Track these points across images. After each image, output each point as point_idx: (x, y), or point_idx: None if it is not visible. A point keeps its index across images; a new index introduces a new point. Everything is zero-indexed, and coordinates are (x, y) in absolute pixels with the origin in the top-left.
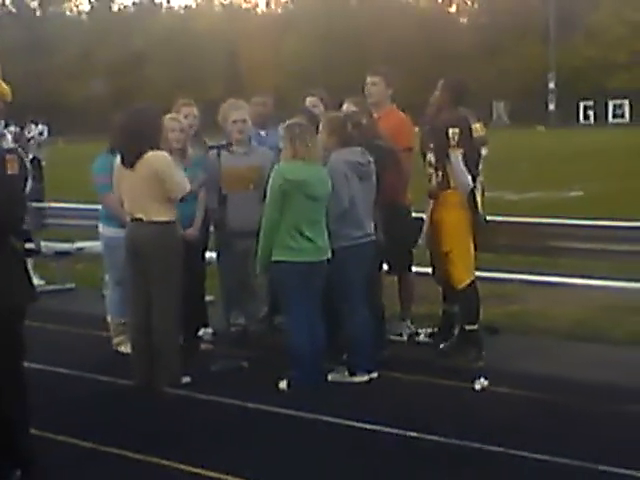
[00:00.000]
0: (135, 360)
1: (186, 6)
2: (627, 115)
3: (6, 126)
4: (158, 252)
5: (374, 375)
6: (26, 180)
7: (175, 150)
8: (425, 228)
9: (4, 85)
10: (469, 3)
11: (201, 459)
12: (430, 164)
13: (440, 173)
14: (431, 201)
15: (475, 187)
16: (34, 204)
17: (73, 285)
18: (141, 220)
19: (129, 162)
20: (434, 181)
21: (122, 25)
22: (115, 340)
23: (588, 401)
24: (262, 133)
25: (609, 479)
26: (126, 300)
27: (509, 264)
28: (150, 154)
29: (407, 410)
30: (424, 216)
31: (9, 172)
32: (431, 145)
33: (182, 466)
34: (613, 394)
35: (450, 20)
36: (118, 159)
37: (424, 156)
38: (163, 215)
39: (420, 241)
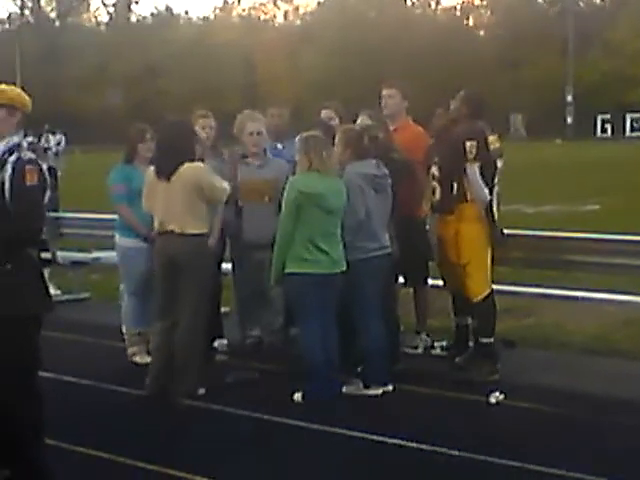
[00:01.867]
0: (153, 369)
1: (204, 17)
2: None
3: (24, 136)
4: (193, 264)
5: (389, 388)
6: (45, 191)
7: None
8: (433, 241)
9: (25, 96)
10: (487, 16)
11: (215, 471)
12: (434, 177)
13: (455, 186)
14: (436, 215)
15: (492, 200)
16: (50, 214)
17: (88, 295)
18: (173, 232)
19: (165, 175)
20: (438, 194)
21: (140, 36)
22: (130, 350)
23: (606, 415)
24: (279, 146)
25: None
26: (151, 309)
27: (525, 278)
28: (186, 166)
29: (422, 423)
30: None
31: (28, 183)
32: (435, 159)
33: (196, 477)
34: (631, 408)
35: (468, 33)
36: (150, 172)
37: (428, 169)
38: (198, 228)
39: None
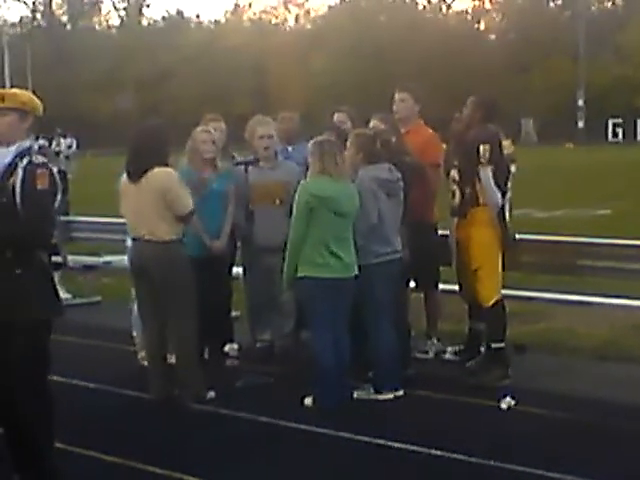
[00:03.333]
0: (152, 374)
1: (215, 21)
2: None
3: (36, 139)
4: (165, 271)
5: (400, 393)
6: (56, 195)
7: (206, 161)
8: (453, 246)
9: (36, 100)
10: (498, 20)
11: (226, 475)
12: (454, 181)
13: (468, 190)
14: (454, 219)
15: (504, 204)
16: (60, 218)
17: (99, 299)
18: (144, 238)
19: (134, 177)
20: (457, 198)
21: (151, 40)
22: (140, 354)
23: (617, 421)
24: (289, 148)
25: None
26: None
27: (537, 282)
28: (155, 170)
29: (433, 428)
30: (447, 233)
31: (39, 187)
32: (455, 162)
33: None
34: None
35: (479, 37)
36: (124, 174)
37: (447, 173)
38: (168, 233)
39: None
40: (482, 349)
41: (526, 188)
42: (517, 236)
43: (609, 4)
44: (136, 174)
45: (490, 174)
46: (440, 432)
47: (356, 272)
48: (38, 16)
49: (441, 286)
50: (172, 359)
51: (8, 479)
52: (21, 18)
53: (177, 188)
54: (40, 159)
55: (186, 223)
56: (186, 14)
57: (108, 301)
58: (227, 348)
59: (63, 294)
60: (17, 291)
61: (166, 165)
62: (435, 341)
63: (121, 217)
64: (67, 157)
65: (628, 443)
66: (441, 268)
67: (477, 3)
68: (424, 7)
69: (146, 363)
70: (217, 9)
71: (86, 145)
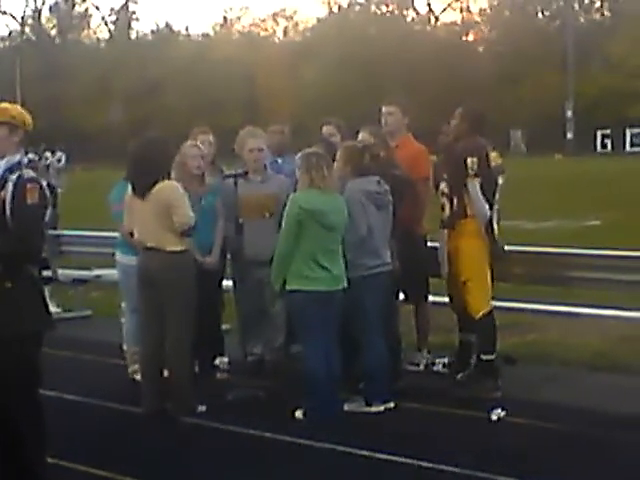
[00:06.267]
0: (145, 388)
1: (204, 34)
2: None
3: (25, 154)
4: (172, 282)
5: (390, 405)
6: (45, 209)
7: (194, 176)
8: (443, 258)
9: (26, 114)
10: (486, 31)
11: None
12: (443, 193)
13: (456, 202)
14: (445, 231)
15: (492, 216)
16: (50, 232)
17: (90, 313)
18: (154, 249)
19: (141, 192)
20: (447, 211)
21: (140, 53)
22: (131, 368)
23: (607, 432)
24: (279, 161)
25: None
26: (138, 328)
27: (526, 294)
28: (162, 184)
29: (423, 440)
30: (438, 245)
31: (29, 201)
32: (445, 175)
33: None
34: (633, 424)
35: (467, 48)
36: (129, 189)
37: (437, 186)
38: (176, 245)
39: (442, 272)
40: (472, 361)
41: (515, 199)
42: (506, 247)
43: (597, 15)
44: (143, 189)
45: (478, 186)
46: (431, 444)
47: (345, 284)
48: (27, 30)
49: (431, 298)
50: (165, 373)
51: None
52: (10, 32)
53: (180, 203)
54: (30, 173)
55: (187, 237)
56: (175, 27)
57: (98, 315)
58: (217, 361)
59: (53, 308)
60: (7, 304)
61: (169, 178)
62: (425, 353)
63: (110, 231)
64: (57, 171)
65: (619, 453)
66: (430, 280)
67: (466, 15)
68: (413, 19)
69: (137, 377)
70: (206, 22)
71: (76, 159)
